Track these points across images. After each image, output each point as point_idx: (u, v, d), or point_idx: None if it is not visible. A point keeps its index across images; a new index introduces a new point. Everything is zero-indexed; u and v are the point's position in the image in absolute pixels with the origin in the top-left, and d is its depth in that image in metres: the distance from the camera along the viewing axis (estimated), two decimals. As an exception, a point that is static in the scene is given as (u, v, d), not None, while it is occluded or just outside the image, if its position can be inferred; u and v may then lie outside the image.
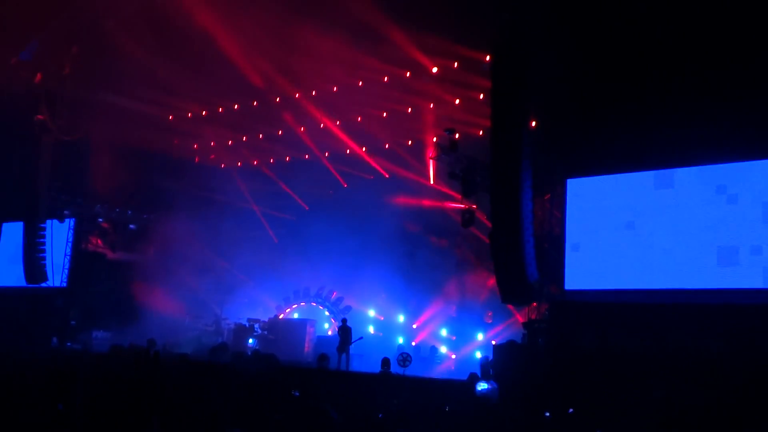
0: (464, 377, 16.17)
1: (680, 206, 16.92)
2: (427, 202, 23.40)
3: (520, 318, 18.70)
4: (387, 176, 24.52)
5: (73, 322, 26.14)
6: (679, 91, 16.27)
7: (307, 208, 26.62)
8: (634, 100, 17.10)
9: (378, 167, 24.86)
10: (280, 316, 25.86)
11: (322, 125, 25.05)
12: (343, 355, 20.39)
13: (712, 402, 12.23)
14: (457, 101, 21.69)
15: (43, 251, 25.73)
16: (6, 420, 5.15)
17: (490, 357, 18.44)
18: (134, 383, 9.82)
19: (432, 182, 23.10)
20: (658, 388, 13.47)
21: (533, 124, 17.71)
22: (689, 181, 16.90)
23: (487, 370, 17.41)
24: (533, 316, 17.97)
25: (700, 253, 16.43)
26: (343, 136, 25.01)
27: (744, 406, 11.90)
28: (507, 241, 16.81)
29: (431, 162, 21.69)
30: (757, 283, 15.73)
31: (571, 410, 12.21)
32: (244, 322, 24.86)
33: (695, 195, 16.75)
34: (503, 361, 17.12)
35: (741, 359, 14.27)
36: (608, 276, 17.60)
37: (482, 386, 11.60)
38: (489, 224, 18.47)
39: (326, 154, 25.92)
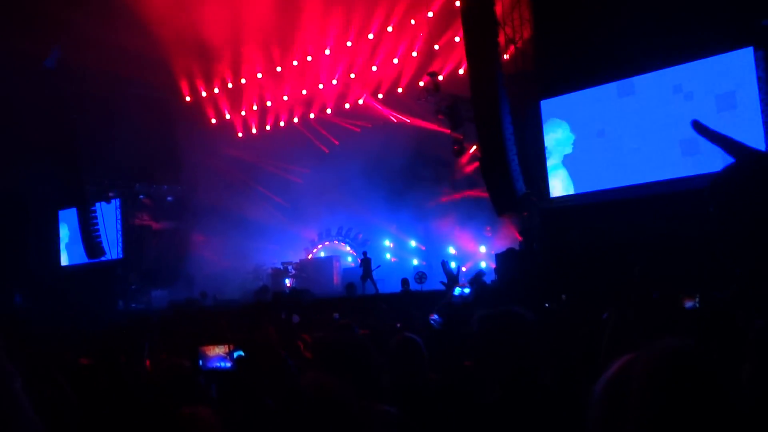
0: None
1: (643, 109, 17.07)
2: (420, 133, 23.44)
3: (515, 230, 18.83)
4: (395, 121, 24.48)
5: (133, 287, 26.92)
6: (629, 6, 16.13)
7: (327, 152, 26.38)
8: (591, 22, 17.02)
9: (382, 112, 24.81)
10: (309, 257, 26.24)
11: (321, 86, 25.11)
12: (368, 282, 20.84)
13: (681, 272, 12.66)
14: (437, 47, 21.56)
15: (98, 230, 26.09)
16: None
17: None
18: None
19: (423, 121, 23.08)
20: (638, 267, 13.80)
21: (505, 57, 17.77)
22: (648, 85, 17.03)
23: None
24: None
25: (666, 148, 16.60)
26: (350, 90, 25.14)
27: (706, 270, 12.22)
28: (494, 162, 17.00)
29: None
30: (717, 166, 15.36)
31: (564, 296, 12.44)
32: (279, 265, 25.31)
33: (655, 97, 16.87)
34: (504, 266, 17.42)
35: (709, 236, 14.41)
36: (586, 181, 17.81)
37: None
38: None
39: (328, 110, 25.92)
